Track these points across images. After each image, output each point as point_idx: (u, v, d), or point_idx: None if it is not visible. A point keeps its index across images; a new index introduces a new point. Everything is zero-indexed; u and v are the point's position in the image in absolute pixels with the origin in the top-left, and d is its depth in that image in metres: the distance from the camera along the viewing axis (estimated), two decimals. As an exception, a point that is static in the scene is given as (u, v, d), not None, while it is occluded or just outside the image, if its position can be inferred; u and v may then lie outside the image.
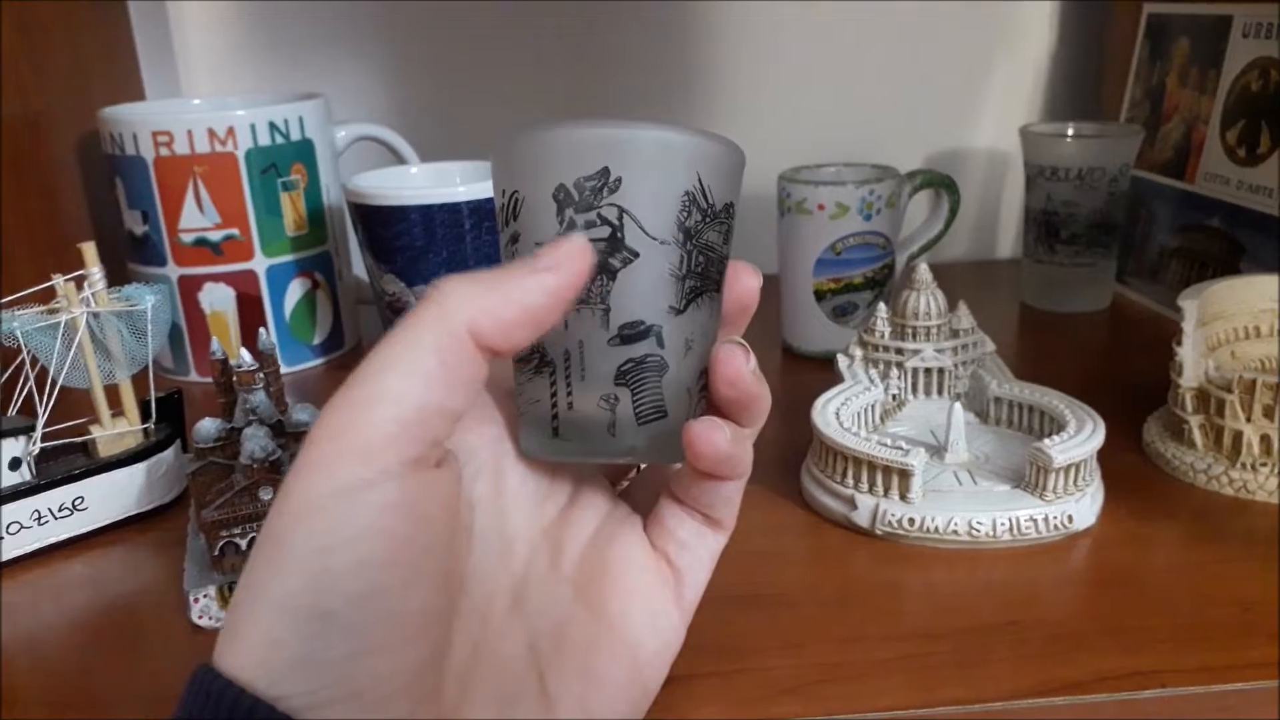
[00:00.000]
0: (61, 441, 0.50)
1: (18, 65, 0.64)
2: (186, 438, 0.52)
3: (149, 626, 0.42)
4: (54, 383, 0.48)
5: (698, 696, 0.36)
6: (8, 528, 0.46)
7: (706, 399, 0.31)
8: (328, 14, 0.83)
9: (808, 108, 0.89)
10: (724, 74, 0.88)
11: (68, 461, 0.50)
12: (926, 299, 0.54)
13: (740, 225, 0.31)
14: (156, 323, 0.51)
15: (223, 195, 0.66)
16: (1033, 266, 0.78)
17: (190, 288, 0.67)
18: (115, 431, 0.50)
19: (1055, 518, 0.45)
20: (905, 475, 0.45)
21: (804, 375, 0.66)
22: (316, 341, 0.72)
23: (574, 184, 0.28)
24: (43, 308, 0.49)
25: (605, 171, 0.28)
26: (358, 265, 0.73)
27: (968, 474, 0.48)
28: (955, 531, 0.44)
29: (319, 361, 0.72)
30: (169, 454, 0.51)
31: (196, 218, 0.66)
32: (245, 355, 0.48)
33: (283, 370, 0.67)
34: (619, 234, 0.28)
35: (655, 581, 0.33)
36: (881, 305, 0.56)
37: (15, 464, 0.47)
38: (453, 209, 0.62)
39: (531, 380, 0.30)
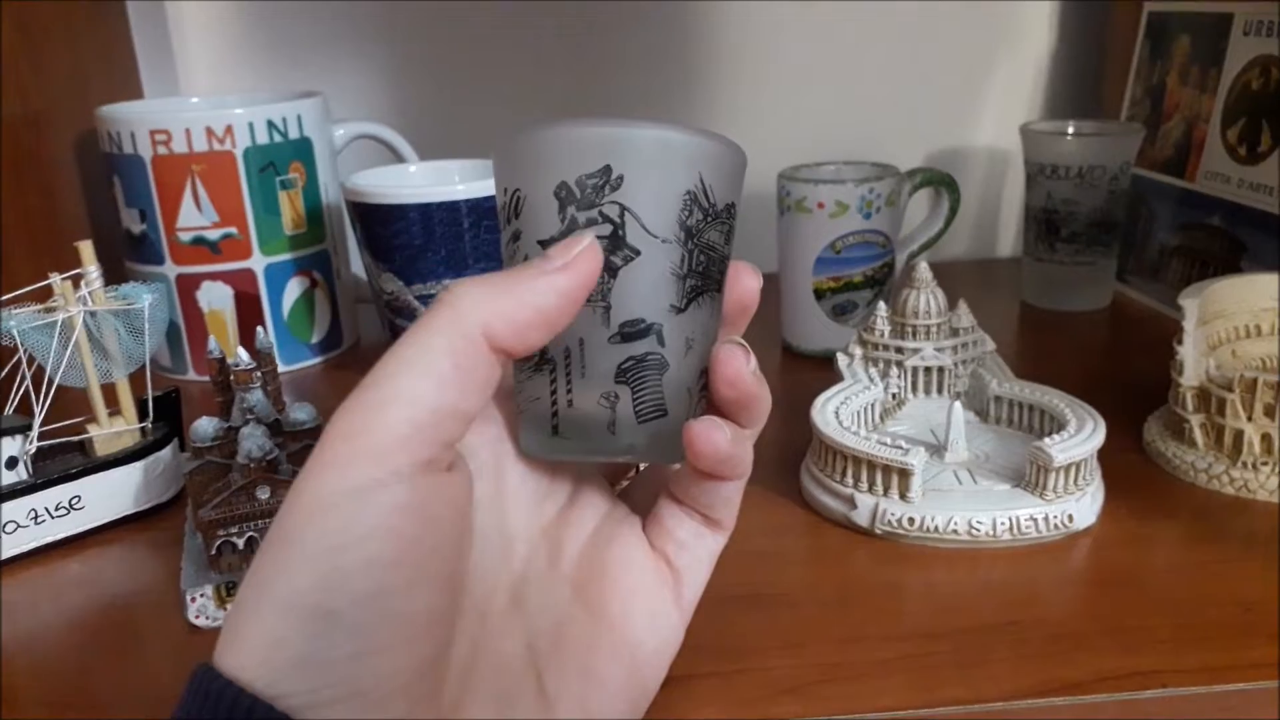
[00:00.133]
0: (58, 440, 0.49)
1: (17, 64, 0.64)
2: (184, 437, 0.52)
3: (146, 626, 0.42)
4: (51, 381, 0.48)
5: (697, 697, 0.36)
6: (5, 527, 0.46)
7: (707, 399, 0.31)
8: (326, 13, 0.83)
9: (808, 106, 0.89)
10: (724, 73, 0.88)
11: (65, 460, 0.49)
12: (926, 298, 0.54)
13: (740, 224, 0.31)
14: (154, 321, 0.51)
15: (221, 194, 0.65)
16: (1033, 265, 0.78)
17: (188, 286, 0.67)
18: (112, 430, 0.50)
19: (1055, 517, 0.45)
20: (905, 474, 0.45)
21: (803, 374, 0.66)
22: (314, 340, 0.72)
23: (576, 182, 0.28)
24: (40, 306, 0.48)
25: (607, 169, 0.28)
26: (356, 264, 0.73)
27: (968, 473, 0.48)
28: (955, 531, 0.44)
29: (317, 360, 0.72)
30: (166, 453, 0.51)
31: (194, 216, 0.66)
32: (243, 354, 0.48)
33: (281, 369, 0.67)
34: (620, 232, 0.28)
35: (654, 581, 0.33)
36: (881, 304, 0.56)
37: (12, 463, 0.47)
38: (451, 208, 0.61)
39: (531, 378, 0.30)
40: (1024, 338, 0.73)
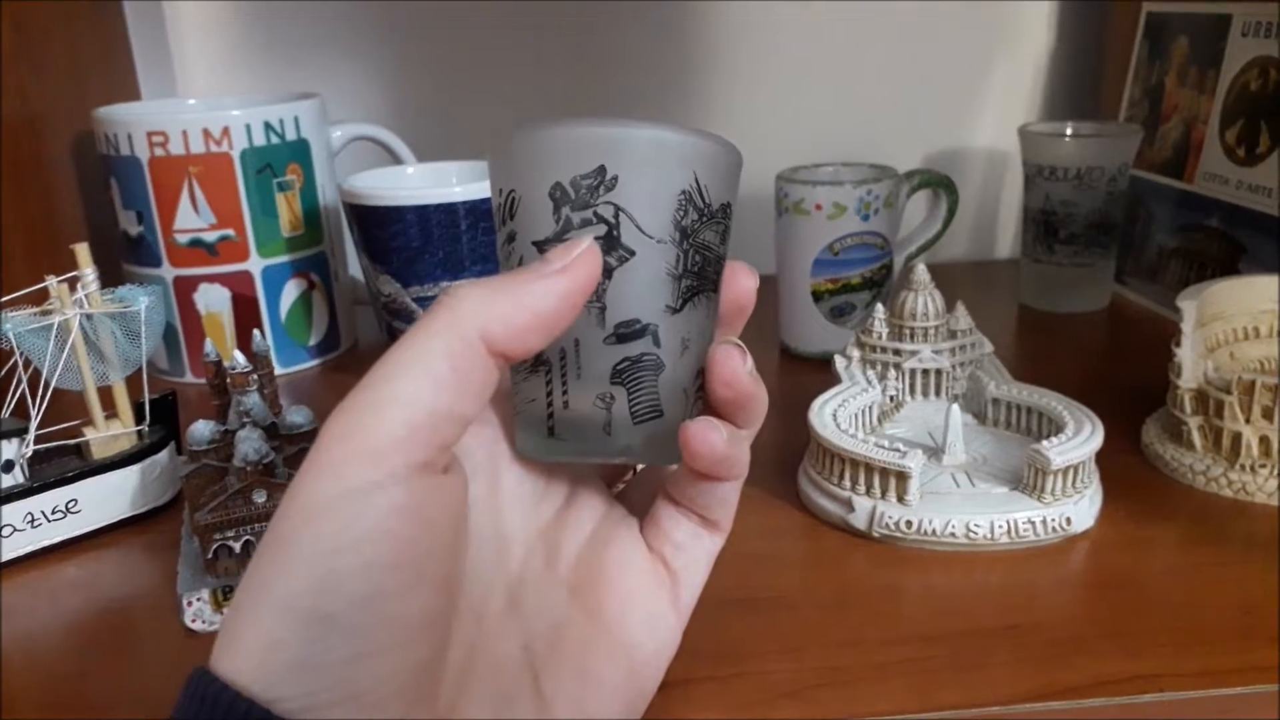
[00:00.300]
0: (55, 444, 0.49)
1: (14, 65, 0.64)
2: (181, 440, 0.52)
3: (143, 629, 0.42)
4: (47, 385, 0.48)
5: (695, 700, 0.36)
6: (1, 531, 0.46)
7: (703, 400, 0.31)
8: (324, 14, 0.83)
9: (805, 107, 0.89)
10: (722, 74, 0.88)
11: (61, 464, 0.49)
12: (924, 299, 0.54)
13: (737, 225, 0.31)
14: (150, 324, 0.51)
15: (218, 196, 0.65)
16: (1031, 266, 0.78)
17: (185, 288, 0.67)
18: (109, 434, 0.50)
19: (1053, 520, 0.45)
20: (903, 477, 0.45)
21: (801, 376, 0.66)
22: (312, 342, 0.72)
23: (570, 182, 0.28)
24: (36, 309, 0.48)
25: (602, 170, 0.28)
26: (353, 266, 0.73)
27: (965, 476, 0.48)
28: (953, 534, 0.44)
29: (314, 363, 0.72)
30: (163, 456, 0.51)
31: (191, 218, 0.66)
32: (239, 357, 0.48)
33: (278, 371, 0.67)
34: (615, 232, 0.28)
35: (651, 583, 0.33)
36: (879, 306, 0.56)
37: (8, 466, 0.47)
38: (449, 209, 0.61)
39: (527, 379, 0.30)
40: (1022, 340, 0.73)
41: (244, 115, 0.65)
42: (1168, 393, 0.52)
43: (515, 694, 0.29)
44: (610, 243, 0.28)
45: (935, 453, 0.49)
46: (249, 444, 0.43)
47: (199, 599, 0.42)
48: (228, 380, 0.48)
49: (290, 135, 0.67)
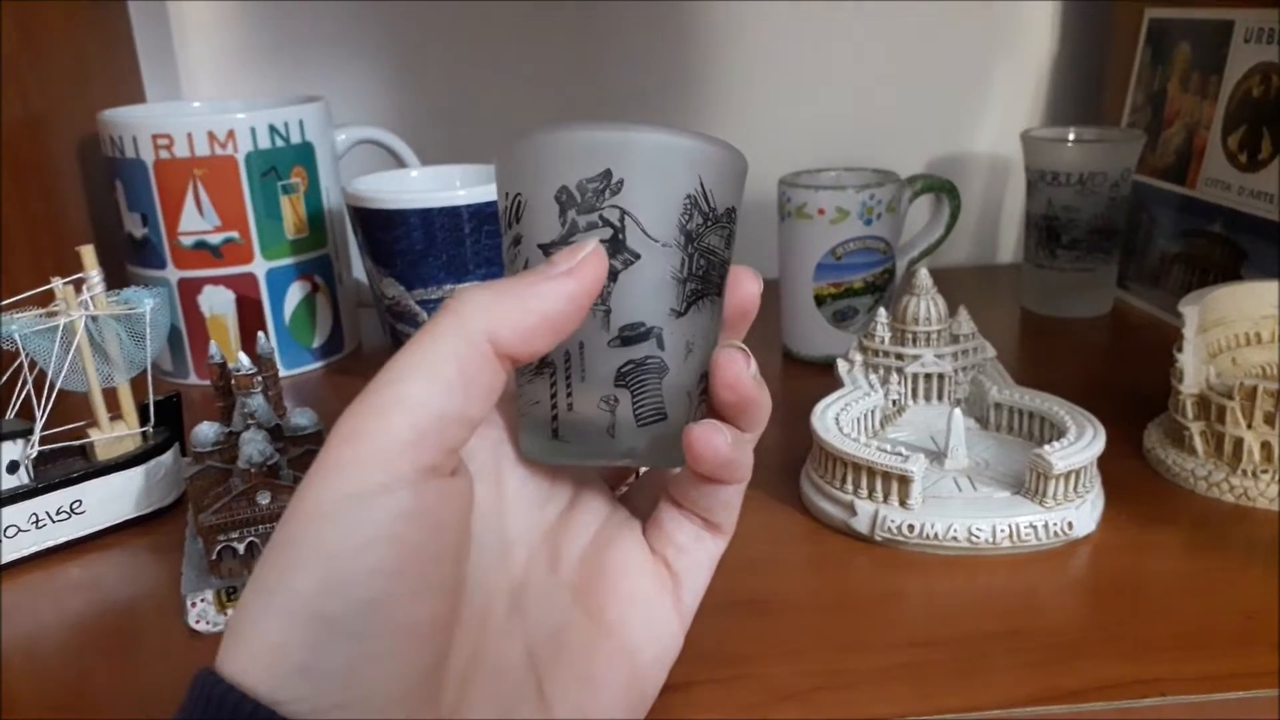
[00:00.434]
0: (59, 445, 0.49)
1: (18, 67, 0.64)
2: (185, 441, 0.52)
3: (146, 630, 0.42)
4: (52, 386, 0.48)
5: (696, 703, 0.36)
6: (5, 531, 0.46)
7: (707, 403, 0.31)
8: (328, 17, 0.83)
9: (809, 112, 0.89)
10: (725, 78, 0.88)
11: (66, 465, 0.49)
12: (927, 304, 0.54)
13: (740, 230, 0.31)
14: (155, 326, 0.51)
15: (222, 198, 0.65)
16: (1033, 271, 0.78)
17: (190, 290, 0.67)
18: (113, 435, 0.50)
19: (1055, 524, 0.45)
20: (905, 481, 0.45)
21: (804, 380, 0.66)
22: (316, 345, 0.72)
23: (576, 185, 0.28)
24: (41, 311, 0.49)
25: (607, 174, 0.28)
26: (357, 268, 0.73)
27: (967, 480, 0.48)
28: (955, 538, 0.44)
29: (318, 365, 0.72)
30: (167, 458, 0.51)
31: (196, 220, 0.66)
32: (244, 359, 0.48)
33: (282, 373, 0.67)
34: (620, 236, 0.28)
35: (654, 586, 0.33)
36: (882, 310, 0.56)
37: (13, 467, 0.47)
38: (452, 212, 0.62)
39: (532, 382, 0.30)
40: (1024, 344, 0.73)
41: (249, 118, 0.65)
42: (1169, 398, 0.52)
43: (518, 697, 0.29)
44: (615, 246, 0.28)
45: (937, 457, 0.49)
46: (253, 446, 0.44)
47: (203, 600, 0.42)
48: (232, 382, 0.48)
49: (295, 138, 0.67)
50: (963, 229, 0.92)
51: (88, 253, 0.49)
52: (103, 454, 0.50)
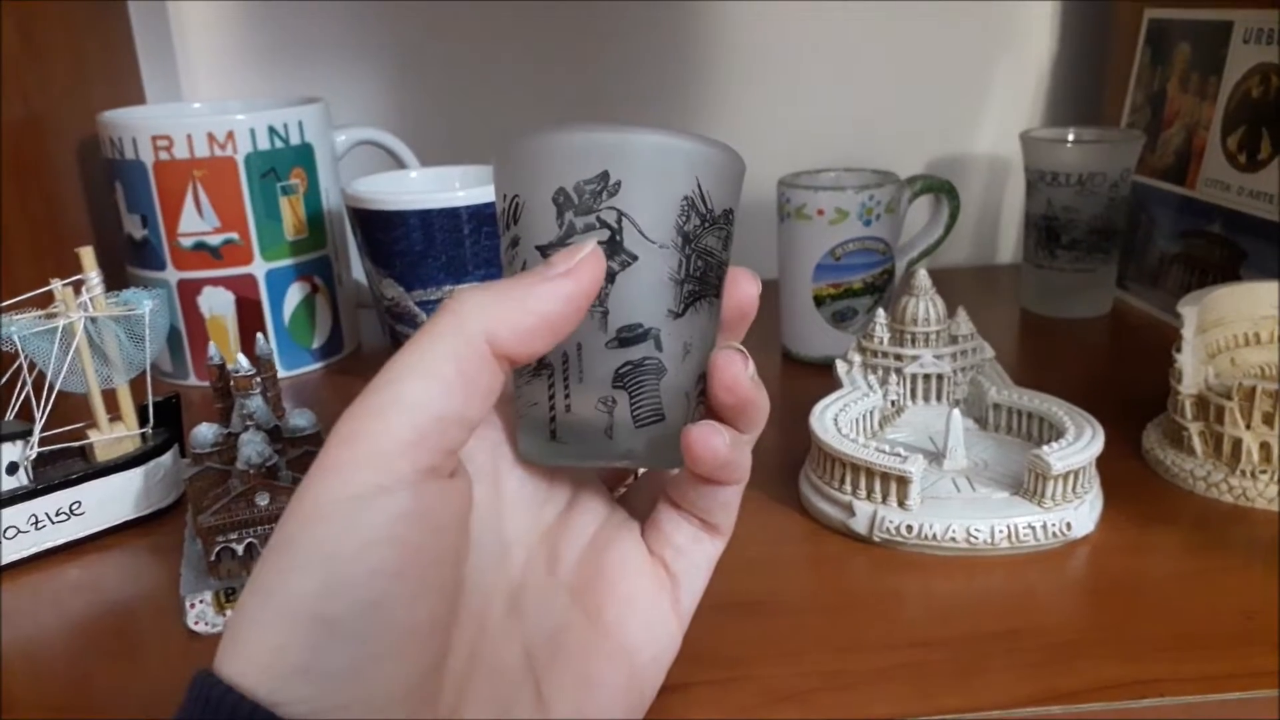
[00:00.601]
0: (59, 446, 0.49)
1: (18, 67, 0.64)
2: (184, 442, 0.52)
3: (145, 631, 0.42)
4: (51, 387, 0.48)
5: (694, 704, 0.36)
6: (5, 532, 0.46)
7: (705, 404, 0.31)
8: (328, 18, 0.83)
9: (808, 113, 0.89)
10: (725, 79, 0.88)
11: (65, 466, 0.49)
12: (926, 305, 0.54)
13: (739, 230, 0.31)
14: (154, 328, 0.51)
15: (222, 199, 0.66)
16: (1033, 272, 0.78)
17: (189, 292, 0.67)
18: (113, 436, 0.50)
19: (1054, 525, 0.45)
20: (903, 482, 0.45)
21: (803, 381, 0.66)
22: (315, 346, 0.72)
23: (574, 187, 0.28)
24: (41, 312, 0.49)
25: (605, 175, 0.28)
26: (357, 270, 0.73)
27: (966, 481, 0.48)
28: (953, 539, 0.44)
29: (318, 366, 0.72)
30: (166, 459, 0.51)
31: (196, 222, 0.66)
32: (243, 360, 0.48)
33: (281, 374, 0.67)
34: (618, 237, 0.28)
35: (652, 587, 0.33)
36: (881, 311, 0.56)
37: (12, 469, 0.47)
38: (452, 214, 0.62)
39: (530, 383, 0.30)
40: (1023, 345, 0.73)
41: (248, 119, 0.65)
42: (1168, 398, 0.52)
43: (516, 699, 0.29)
44: (613, 247, 0.28)
45: (936, 457, 0.49)
46: (252, 447, 0.44)
47: (202, 601, 0.42)
48: (231, 383, 0.48)
49: (294, 139, 0.67)
50: (962, 229, 0.92)
51: (87, 254, 0.49)
52: (102, 455, 0.50)
